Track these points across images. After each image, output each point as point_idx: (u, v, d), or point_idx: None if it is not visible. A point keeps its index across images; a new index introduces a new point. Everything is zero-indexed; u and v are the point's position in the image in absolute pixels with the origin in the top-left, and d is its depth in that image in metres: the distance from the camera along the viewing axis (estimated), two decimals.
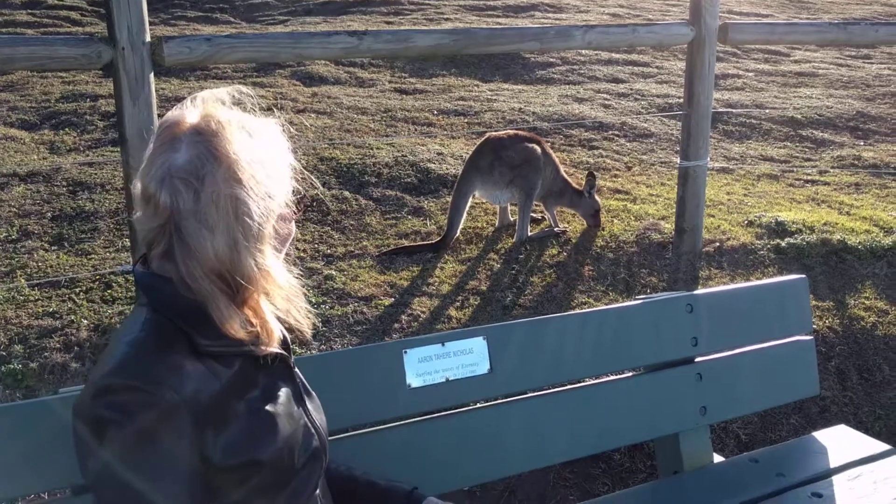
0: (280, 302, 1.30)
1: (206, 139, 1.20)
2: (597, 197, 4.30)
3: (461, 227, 4.09)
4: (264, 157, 1.24)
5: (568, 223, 4.35)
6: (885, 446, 2.30)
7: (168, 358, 1.18)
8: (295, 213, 1.33)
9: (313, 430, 1.36)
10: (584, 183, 4.28)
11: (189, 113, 1.24)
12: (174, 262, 1.20)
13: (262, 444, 1.23)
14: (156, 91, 2.79)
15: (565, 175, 4.37)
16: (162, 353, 1.18)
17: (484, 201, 4.46)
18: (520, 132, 4.34)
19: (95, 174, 4.48)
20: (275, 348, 1.31)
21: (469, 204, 4.17)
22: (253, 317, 1.27)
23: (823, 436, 2.37)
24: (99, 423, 1.14)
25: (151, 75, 2.70)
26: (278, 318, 1.34)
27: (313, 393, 1.44)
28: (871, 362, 3.37)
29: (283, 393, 1.32)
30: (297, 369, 1.41)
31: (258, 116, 1.30)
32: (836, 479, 2.13)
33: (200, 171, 1.18)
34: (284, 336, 1.41)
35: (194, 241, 1.18)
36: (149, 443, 1.13)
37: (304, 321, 1.33)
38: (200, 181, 1.18)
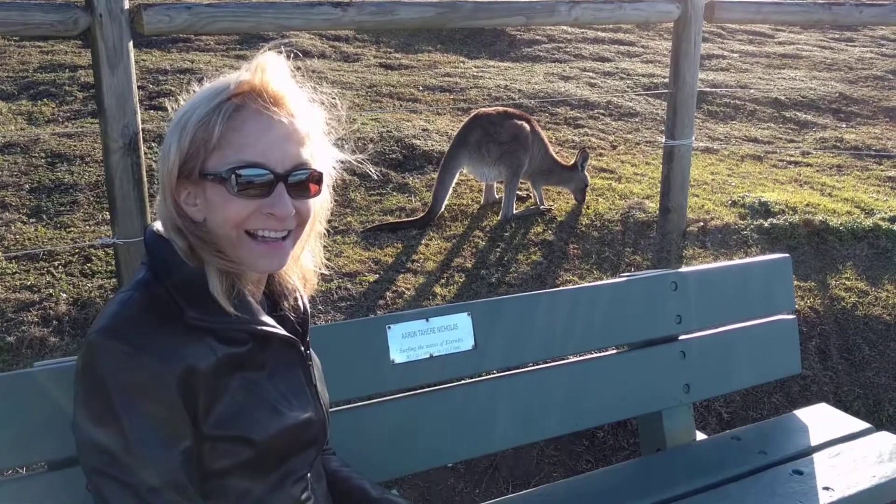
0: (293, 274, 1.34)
1: None
2: (586, 172, 4.29)
3: (446, 203, 4.06)
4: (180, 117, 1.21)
5: (553, 201, 4.34)
6: (864, 424, 2.32)
7: (150, 322, 1.16)
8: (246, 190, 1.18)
9: (316, 417, 1.32)
10: (575, 159, 4.26)
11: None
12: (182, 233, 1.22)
13: (258, 425, 1.21)
14: (138, 63, 2.74)
15: (554, 153, 4.35)
16: (148, 316, 1.16)
17: (469, 178, 4.44)
18: (509, 109, 4.31)
19: (75, 146, 4.41)
20: (281, 331, 1.28)
21: (455, 180, 4.14)
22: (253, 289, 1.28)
23: (805, 414, 2.38)
24: (83, 378, 1.15)
25: (130, 44, 2.64)
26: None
27: (321, 374, 1.42)
28: (852, 342, 3.40)
29: (293, 378, 1.30)
30: (311, 352, 1.38)
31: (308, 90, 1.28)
32: (816, 456, 2.14)
33: None
34: (305, 315, 1.38)
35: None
36: (128, 404, 1.12)
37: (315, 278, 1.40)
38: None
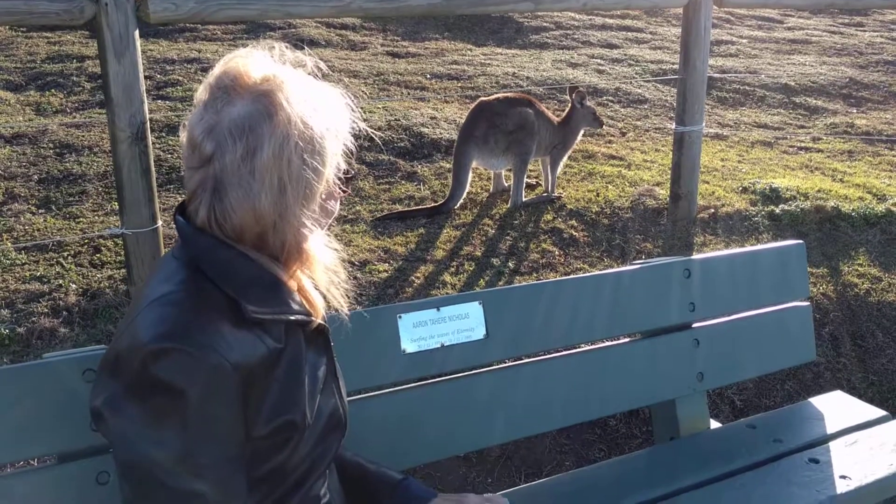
0: (321, 276, 1.31)
1: (265, 97, 1.16)
2: (588, 103, 4.27)
3: (462, 200, 4.03)
4: (321, 124, 1.20)
5: (563, 189, 4.31)
6: (881, 412, 2.30)
7: (211, 321, 1.13)
8: (342, 192, 1.28)
9: (340, 407, 1.35)
10: (571, 100, 4.25)
11: (252, 66, 1.19)
12: (215, 218, 1.18)
13: (300, 410, 1.21)
14: (144, 53, 2.72)
15: (555, 120, 4.29)
16: (204, 315, 1.13)
17: (477, 166, 4.41)
18: (510, 95, 4.26)
19: (83, 136, 4.40)
20: (318, 319, 1.30)
21: (470, 175, 4.10)
22: (297, 288, 1.28)
23: (820, 402, 2.36)
24: (142, 389, 1.09)
25: (136, 32, 2.63)
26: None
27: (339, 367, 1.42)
28: (865, 329, 3.37)
29: (321, 365, 1.31)
30: (332, 343, 1.38)
31: (324, 82, 1.27)
32: (833, 444, 2.12)
33: (254, 128, 1.14)
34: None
35: (236, 199, 1.16)
36: (203, 408, 1.09)
37: (343, 300, 1.34)
38: (252, 138, 1.14)
